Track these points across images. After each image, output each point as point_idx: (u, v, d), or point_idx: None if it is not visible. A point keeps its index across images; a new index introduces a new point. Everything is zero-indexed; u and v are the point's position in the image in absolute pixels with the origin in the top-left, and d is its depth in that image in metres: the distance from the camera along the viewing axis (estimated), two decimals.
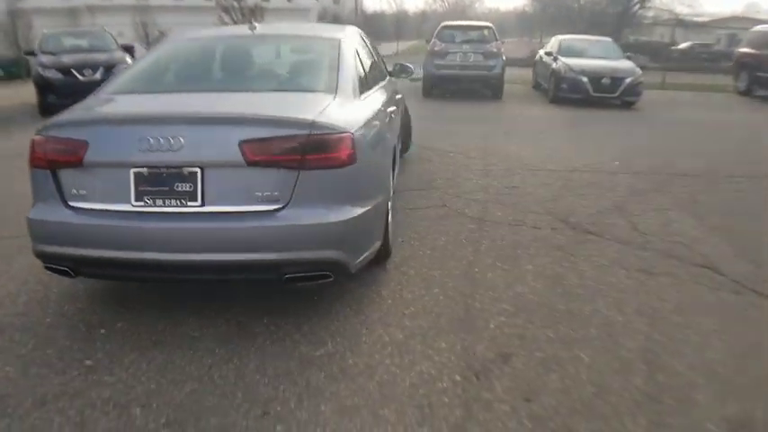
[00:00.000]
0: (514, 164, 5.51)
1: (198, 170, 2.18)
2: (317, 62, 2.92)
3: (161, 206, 2.21)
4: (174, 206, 2.20)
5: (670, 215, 4.01)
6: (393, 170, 3.13)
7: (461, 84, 11.18)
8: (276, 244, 2.20)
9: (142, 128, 2.22)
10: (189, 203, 2.20)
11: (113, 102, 2.74)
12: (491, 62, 10.63)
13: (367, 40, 4.01)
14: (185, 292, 2.74)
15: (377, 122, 2.80)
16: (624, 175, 5.17)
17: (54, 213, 2.29)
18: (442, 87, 11.27)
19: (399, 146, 4.17)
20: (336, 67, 2.83)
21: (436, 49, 10.97)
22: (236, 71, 3.09)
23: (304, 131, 2.20)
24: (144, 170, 2.20)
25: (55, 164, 2.29)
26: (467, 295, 2.70)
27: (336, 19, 46.83)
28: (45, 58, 9.17)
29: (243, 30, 3.40)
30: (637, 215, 3.96)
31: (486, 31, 11.11)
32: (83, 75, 8.80)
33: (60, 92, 8.32)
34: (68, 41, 10.29)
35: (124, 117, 2.47)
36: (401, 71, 4.67)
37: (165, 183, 2.20)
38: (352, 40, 3.28)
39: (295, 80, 2.84)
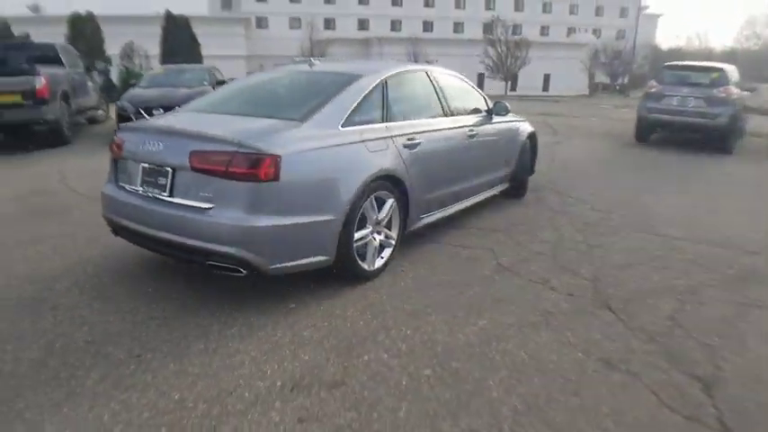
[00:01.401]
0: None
1: (170, 169, 2.91)
2: (317, 95, 3.34)
3: (151, 192, 3.00)
4: (156, 194, 2.97)
5: None
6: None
7: (677, 131, 9.81)
8: (204, 235, 2.75)
9: (146, 135, 3.04)
10: (163, 193, 2.94)
11: (158, 116, 3.72)
12: (716, 109, 9.00)
13: (443, 76, 4.32)
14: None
15: (339, 150, 3.07)
16: None
17: (110, 189, 3.31)
18: (656, 133, 10.23)
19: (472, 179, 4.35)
20: (329, 100, 3.23)
21: (652, 90, 9.89)
22: (252, 99, 3.67)
23: (231, 149, 2.71)
24: (146, 165, 3.04)
25: (114, 155, 3.32)
26: None
27: (616, 56, 44.15)
28: (132, 92, 9.75)
29: (303, 66, 4.02)
30: None
31: (715, 74, 9.44)
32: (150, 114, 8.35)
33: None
34: (167, 78, 10.60)
35: (138, 126, 3.33)
36: (500, 109, 4.71)
37: (154, 176, 2.99)
38: (384, 79, 3.55)
39: (282, 110, 3.29)
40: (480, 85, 43.30)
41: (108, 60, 27.59)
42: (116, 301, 3.02)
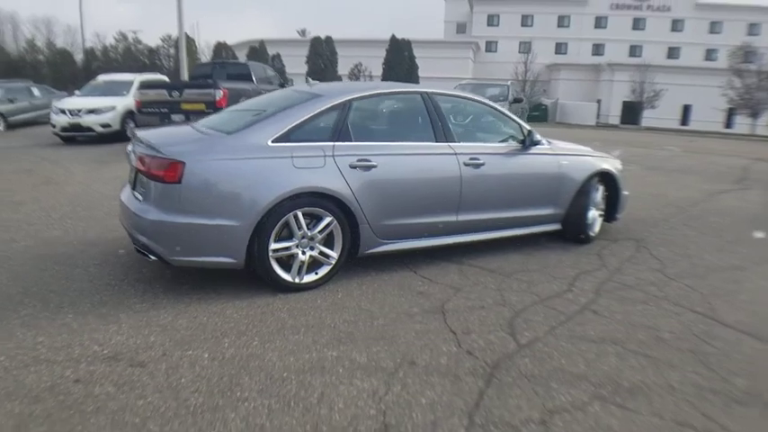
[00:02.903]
0: None
1: (137, 171, 3.47)
2: (269, 112, 3.54)
3: (135, 191, 3.59)
4: (135, 192, 3.54)
5: None
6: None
7: None
8: (136, 225, 3.24)
9: (134, 142, 3.64)
10: (135, 191, 3.50)
11: None
12: None
13: (451, 101, 4.10)
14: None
15: (257, 162, 3.19)
16: None
17: (124, 193, 3.96)
18: None
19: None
20: (268, 117, 3.46)
21: None
22: (235, 115, 3.93)
23: (153, 153, 3.13)
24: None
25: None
26: None
27: None
28: None
29: (302, 86, 4.21)
30: None
31: None
32: None
33: None
34: None
35: (133, 135, 3.88)
36: (531, 139, 4.24)
37: (135, 177, 3.58)
38: (347, 101, 3.57)
39: (233, 124, 3.50)
40: (729, 121, 36.61)
41: (338, 78, 31.61)
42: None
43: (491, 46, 49.43)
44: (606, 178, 4.79)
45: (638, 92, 35.27)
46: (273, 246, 3.27)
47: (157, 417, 2.13)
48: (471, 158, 3.90)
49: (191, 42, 38.26)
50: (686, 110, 39.51)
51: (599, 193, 4.78)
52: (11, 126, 14.12)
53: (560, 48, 48.18)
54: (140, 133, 3.55)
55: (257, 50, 35.15)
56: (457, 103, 4.25)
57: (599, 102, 39.91)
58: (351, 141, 3.52)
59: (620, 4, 46.39)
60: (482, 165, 3.93)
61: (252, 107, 3.87)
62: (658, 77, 35.18)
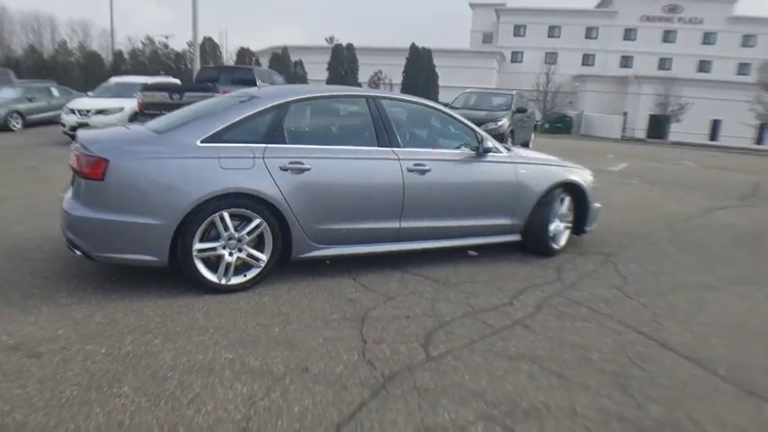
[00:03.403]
0: None
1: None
2: (206, 113, 3.50)
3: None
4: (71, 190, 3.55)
5: None
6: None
7: None
8: (64, 221, 3.24)
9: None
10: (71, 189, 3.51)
11: None
12: None
13: (400, 106, 3.96)
14: None
15: (182, 162, 3.15)
16: None
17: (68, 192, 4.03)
18: None
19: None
20: (200, 117, 3.44)
21: None
22: (177, 117, 3.82)
23: (83, 151, 3.12)
24: None
25: None
26: None
27: None
28: None
29: (252, 89, 4.16)
30: None
31: None
32: None
33: None
34: None
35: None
36: (483, 147, 4.11)
37: (73, 176, 3.57)
38: (284, 103, 3.53)
39: (171, 124, 3.50)
40: (760, 136, 35.37)
41: (359, 85, 31.77)
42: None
43: (517, 56, 48.99)
44: (573, 189, 4.61)
45: (663, 105, 34.38)
46: (198, 246, 3.22)
47: (27, 406, 2.11)
48: (416, 164, 3.78)
49: (216, 48, 39.09)
50: (715, 125, 38.34)
51: (564, 205, 4.60)
52: (28, 125, 14.55)
53: (587, 59, 47.45)
54: (79, 132, 3.56)
55: (280, 57, 35.61)
56: (409, 109, 4.15)
57: (625, 115, 39.08)
58: (285, 144, 3.45)
59: (650, 16, 45.46)
60: (428, 171, 3.82)
61: (199, 108, 3.84)
62: (686, 91, 34.21)
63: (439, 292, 3.61)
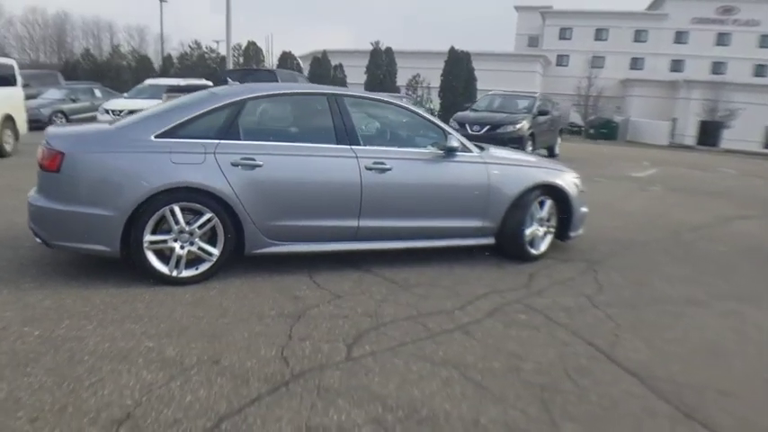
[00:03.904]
0: None
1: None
2: (169, 110, 3.59)
3: None
4: None
5: None
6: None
7: None
8: (28, 211, 3.39)
9: None
10: None
11: None
12: None
13: (363, 104, 4.02)
14: None
15: (134, 156, 3.25)
16: None
17: None
18: None
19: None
20: (156, 113, 3.56)
21: None
22: (144, 114, 3.86)
23: (45, 145, 3.27)
24: None
25: None
26: None
27: None
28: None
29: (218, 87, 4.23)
30: None
31: None
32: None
33: None
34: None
35: None
36: (449, 147, 4.02)
37: None
38: (241, 100, 3.58)
39: (131, 119, 3.62)
40: None
41: (397, 89, 31.83)
42: None
43: (562, 60, 47.81)
44: (554, 193, 4.44)
45: (712, 110, 32.67)
46: (149, 237, 3.29)
47: None
48: (375, 162, 3.74)
49: (258, 52, 40.11)
50: None
51: (545, 209, 4.44)
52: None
53: (636, 63, 45.75)
54: (48, 128, 3.71)
55: (320, 60, 36.09)
56: (376, 107, 4.11)
57: (674, 121, 37.43)
58: (238, 140, 3.49)
59: (702, 18, 43.39)
60: (388, 170, 3.76)
61: (166, 106, 3.94)
62: (739, 96, 32.39)
63: (391, 293, 3.55)
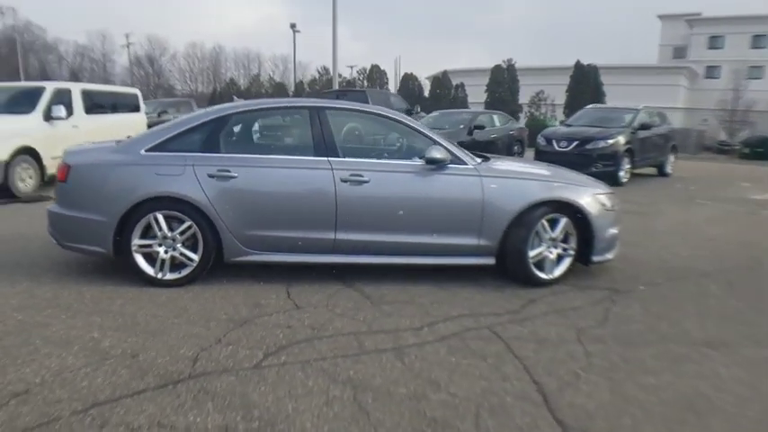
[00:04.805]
0: None
1: None
2: (163, 126, 3.95)
3: None
4: None
5: None
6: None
7: None
8: (47, 217, 3.95)
9: None
10: None
11: None
12: None
13: (347, 116, 4.09)
14: None
15: (123, 169, 3.65)
16: None
17: None
18: None
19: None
20: (152, 131, 3.92)
21: None
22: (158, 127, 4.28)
23: (62, 159, 3.81)
24: None
25: None
26: None
27: None
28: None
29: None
30: None
31: None
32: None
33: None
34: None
35: None
36: (430, 158, 3.85)
37: None
38: (224, 116, 3.88)
39: (139, 136, 4.01)
40: None
41: (519, 108, 30.91)
42: None
43: (713, 71, 42.87)
44: (571, 210, 4.00)
45: None
46: (137, 242, 3.65)
47: None
48: (352, 174, 3.72)
49: (382, 74, 41.76)
50: None
51: (557, 228, 4.02)
52: None
53: None
54: (69, 146, 4.28)
55: (440, 80, 36.51)
56: (364, 119, 4.08)
57: None
58: (218, 153, 3.72)
59: None
60: (366, 182, 3.72)
61: (169, 123, 4.36)
62: None
63: (357, 308, 3.49)
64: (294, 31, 34.37)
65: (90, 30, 77.16)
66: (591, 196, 4.09)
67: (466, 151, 4.12)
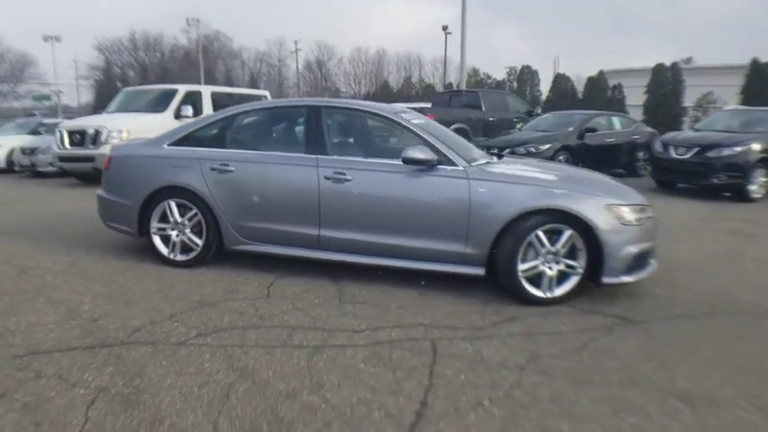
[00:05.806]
0: None
1: None
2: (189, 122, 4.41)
3: None
4: None
5: None
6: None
7: None
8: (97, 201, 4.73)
9: None
10: None
11: None
12: None
13: (346, 115, 4.26)
14: None
15: (147, 160, 4.18)
16: None
17: None
18: None
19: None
20: (183, 127, 4.38)
21: None
22: None
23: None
24: None
25: None
26: None
27: None
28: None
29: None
30: None
31: None
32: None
33: None
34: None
35: None
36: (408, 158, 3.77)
37: None
38: (230, 115, 4.28)
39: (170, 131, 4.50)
40: None
41: (683, 111, 27.39)
42: None
43: None
44: (578, 223, 3.60)
45: None
46: (155, 224, 4.23)
47: None
48: (336, 172, 3.80)
49: (534, 74, 40.02)
50: None
51: (560, 241, 3.60)
52: None
53: None
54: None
55: (594, 81, 33.81)
56: (360, 119, 4.14)
57: None
58: (222, 148, 4.11)
59: None
60: (347, 180, 3.78)
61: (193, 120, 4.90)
62: None
63: (321, 305, 3.56)
64: (446, 33, 34.76)
65: (269, 38, 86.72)
66: (602, 207, 3.61)
67: (465, 152, 3.96)
